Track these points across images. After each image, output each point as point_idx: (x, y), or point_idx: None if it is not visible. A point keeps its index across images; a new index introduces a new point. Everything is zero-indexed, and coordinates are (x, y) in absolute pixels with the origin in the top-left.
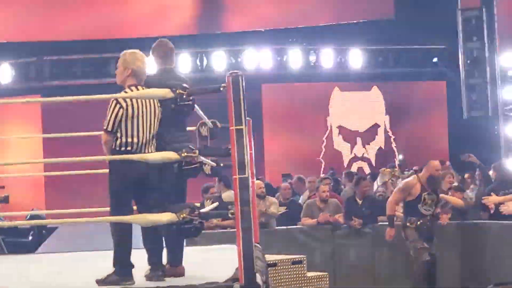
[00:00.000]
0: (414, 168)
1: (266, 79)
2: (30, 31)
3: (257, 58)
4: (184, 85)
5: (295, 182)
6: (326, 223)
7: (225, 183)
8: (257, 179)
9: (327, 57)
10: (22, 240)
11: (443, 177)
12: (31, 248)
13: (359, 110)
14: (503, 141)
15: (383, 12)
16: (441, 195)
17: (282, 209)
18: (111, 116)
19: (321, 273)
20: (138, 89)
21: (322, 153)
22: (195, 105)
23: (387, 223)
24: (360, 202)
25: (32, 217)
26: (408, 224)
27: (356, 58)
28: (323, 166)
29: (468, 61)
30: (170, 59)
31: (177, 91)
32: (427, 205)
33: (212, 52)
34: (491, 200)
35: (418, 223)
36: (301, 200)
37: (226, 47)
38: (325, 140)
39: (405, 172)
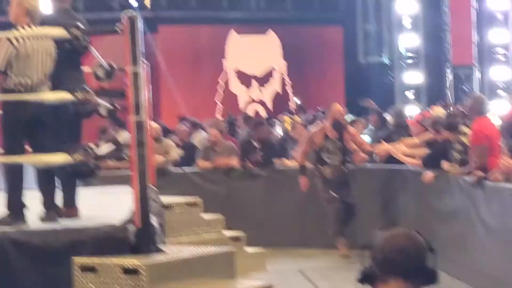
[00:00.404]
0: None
1: (163, 20)
2: None
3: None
4: (80, 25)
5: (192, 124)
6: (222, 166)
7: (120, 125)
8: (154, 121)
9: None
10: None
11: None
12: None
13: (256, 53)
14: (397, 88)
15: None
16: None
17: (180, 153)
18: (0, 54)
19: (216, 215)
20: (32, 28)
21: (219, 95)
22: (91, 46)
23: (283, 168)
24: (257, 145)
25: None
26: (316, 173)
27: (253, 2)
28: (219, 108)
29: (365, 7)
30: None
31: (73, 31)
32: (330, 153)
33: None
34: (382, 148)
35: (325, 172)
36: (196, 142)
37: None
38: (221, 83)
39: (302, 117)
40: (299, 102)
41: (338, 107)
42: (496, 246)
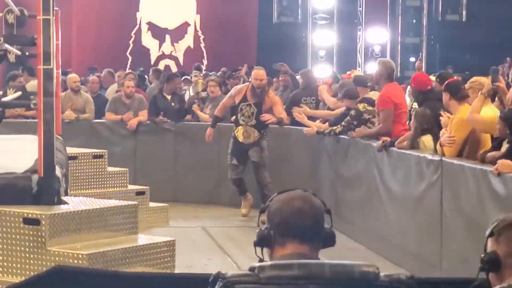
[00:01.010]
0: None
1: None
2: None
3: None
4: None
5: (104, 76)
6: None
7: (29, 73)
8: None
9: None
10: None
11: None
12: None
13: (170, 7)
14: (310, 47)
15: None
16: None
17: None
18: None
19: (121, 169)
20: None
21: (130, 48)
22: None
23: (193, 123)
24: (169, 98)
25: None
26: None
27: None
28: (130, 61)
29: None
30: None
31: None
32: (244, 116)
33: None
34: (309, 131)
35: (237, 133)
36: (107, 94)
37: None
38: (133, 36)
39: (210, 75)
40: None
41: (259, 72)
42: (397, 211)
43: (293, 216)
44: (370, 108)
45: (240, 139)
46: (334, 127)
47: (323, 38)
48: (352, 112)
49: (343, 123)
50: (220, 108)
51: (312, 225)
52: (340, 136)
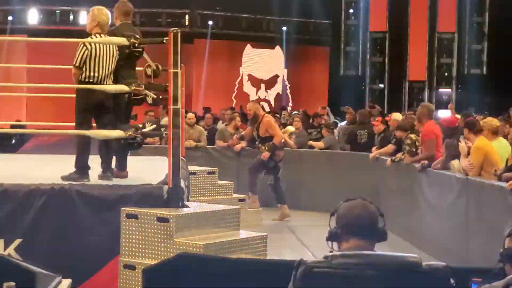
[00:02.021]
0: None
1: (197, 35)
2: None
3: (191, 19)
4: (137, 36)
5: (221, 114)
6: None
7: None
8: (188, 111)
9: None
10: (7, 143)
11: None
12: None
13: (265, 63)
14: (367, 93)
15: None
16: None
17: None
18: (78, 55)
19: (228, 182)
20: (101, 37)
21: (234, 93)
22: (144, 52)
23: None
24: None
25: (15, 126)
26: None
27: (265, 24)
28: (234, 103)
29: (347, 34)
30: (129, 16)
31: (131, 40)
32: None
33: (160, 13)
34: (373, 156)
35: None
36: (218, 126)
37: (170, 9)
38: (237, 84)
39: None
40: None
41: (249, 105)
42: (433, 216)
43: (354, 219)
44: (418, 138)
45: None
46: (402, 156)
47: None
48: (408, 141)
49: (405, 152)
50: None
51: (368, 226)
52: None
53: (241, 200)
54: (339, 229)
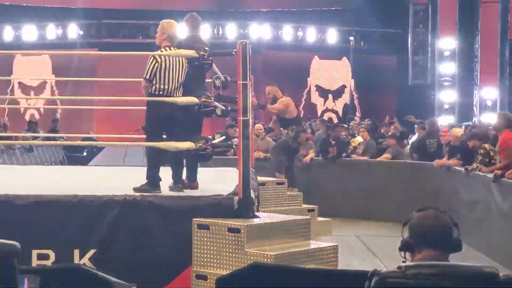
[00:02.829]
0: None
1: (265, 47)
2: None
3: (260, 31)
4: (206, 48)
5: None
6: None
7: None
8: (257, 123)
9: (310, 33)
10: (78, 155)
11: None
12: (85, 162)
13: (332, 74)
14: (436, 103)
15: (354, 1)
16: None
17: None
18: (149, 68)
19: (297, 193)
20: (171, 49)
21: (302, 104)
22: (213, 63)
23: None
24: (333, 142)
25: (86, 139)
26: None
27: (332, 35)
28: (302, 114)
29: (415, 43)
30: (197, 29)
31: (200, 53)
32: None
33: (226, 25)
34: (439, 163)
35: None
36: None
37: (237, 21)
38: (305, 95)
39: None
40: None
41: (268, 88)
42: (507, 227)
43: (428, 229)
44: (492, 147)
45: None
46: (475, 166)
47: (446, 95)
48: (481, 151)
49: (478, 161)
50: None
51: (442, 236)
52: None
53: (310, 210)
54: (412, 239)
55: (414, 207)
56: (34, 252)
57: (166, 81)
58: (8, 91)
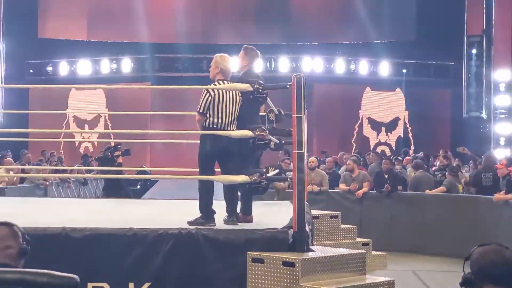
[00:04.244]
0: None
1: (317, 80)
2: (145, 34)
3: (312, 64)
4: (260, 81)
5: (340, 157)
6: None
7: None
8: (309, 155)
9: (363, 66)
10: (132, 188)
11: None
12: (138, 195)
13: (385, 106)
14: (492, 136)
15: (407, 34)
16: None
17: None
18: (202, 101)
19: (351, 226)
20: (224, 83)
21: (354, 137)
22: (267, 97)
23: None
24: (386, 176)
25: (140, 172)
26: None
27: (385, 68)
28: (354, 147)
29: (469, 75)
30: (254, 62)
31: (255, 86)
32: None
33: (278, 58)
34: (498, 197)
35: None
36: (340, 171)
37: (289, 55)
38: (357, 128)
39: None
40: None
41: None
42: None
43: (488, 265)
44: None
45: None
46: None
47: (502, 127)
48: None
49: None
50: None
51: (505, 272)
52: None
53: (364, 244)
54: (474, 276)
55: (470, 242)
56: (90, 285)
57: (220, 115)
58: (64, 124)
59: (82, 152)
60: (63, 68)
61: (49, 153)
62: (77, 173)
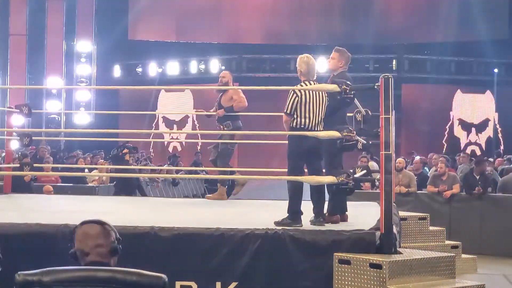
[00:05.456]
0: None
1: (405, 80)
2: (234, 35)
3: (399, 64)
4: (348, 82)
5: (429, 158)
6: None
7: (371, 156)
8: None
9: (452, 66)
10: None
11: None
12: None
13: (475, 107)
14: None
15: (499, 33)
16: None
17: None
18: (289, 102)
19: (439, 228)
20: (311, 84)
21: (445, 138)
22: (355, 97)
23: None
24: (477, 177)
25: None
26: None
27: (474, 67)
28: (445, 147)
29: None
30: (348, 64)
31: (343, 87)
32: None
33: (367, 59)
34: None
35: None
36: (429, 173)
37: (375, 55)
38: (447, 129)
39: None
40: None
41: (222, 72)
42: None
43: None
44: None
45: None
46: None
47: None
48: None
49: None
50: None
51: None
52: None
53: (454, 247)
54: None
55: None
56: (178, 284)
57: (307, 115)
58: (153, 125)
59: (170, 152)
60: (152, 69)
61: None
62: (166, 173)
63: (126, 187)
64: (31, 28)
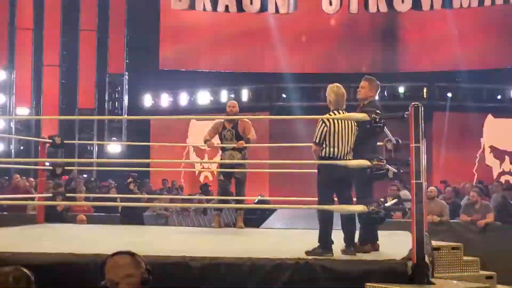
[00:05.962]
0: None
1: (436, 108)
2: (265, 65)
3: (429, 92)
4: (377, 111)
5: (461, 188)
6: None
7: (403, 184)
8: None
9: (483, 92)
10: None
11: None
12: (257, 223)
13: (508, 133)
14: None
15: None
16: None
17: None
18: (318, 131)
19: (473, 258)
20: (340, 113)
21: (476, 167)
22: (385, 126)
23: None
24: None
25: (259, 201)
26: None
27: (507, 93)
28: (475, 177)
29: None
30: (376, 93)
31: (372, 115)
32: (227, 140)
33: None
34: None
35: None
36: (462, 202)
37: (406, 83)
38: (478, 156)
39: None
40: None
41: (231, 102)
42: None
43: None
44: None
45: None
46: None
47: None
48: None
49: None
50: (209, 134)
51: None
52: None
53: (488, 277)
54: None
55: None
56: None
57: (336, 144)
58: (184, 154)
59: (202, 181)
60: (183, 98)
61: (170, 182)
62: (197, 203)
63: (131, 216)
64: (64, 59)
